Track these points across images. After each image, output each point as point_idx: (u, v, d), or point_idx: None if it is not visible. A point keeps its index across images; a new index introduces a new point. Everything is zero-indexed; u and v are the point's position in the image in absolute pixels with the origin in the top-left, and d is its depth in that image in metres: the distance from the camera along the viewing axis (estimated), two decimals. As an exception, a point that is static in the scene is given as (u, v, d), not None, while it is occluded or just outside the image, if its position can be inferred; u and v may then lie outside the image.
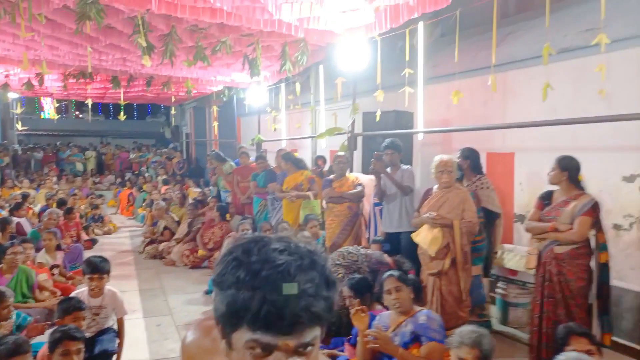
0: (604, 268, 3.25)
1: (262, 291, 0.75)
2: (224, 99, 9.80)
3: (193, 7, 4.34)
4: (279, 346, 0.78)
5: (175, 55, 5.34)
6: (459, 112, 5.50)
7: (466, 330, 2.25)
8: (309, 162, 7.07)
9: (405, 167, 4.75)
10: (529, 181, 4.66)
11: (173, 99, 11.07)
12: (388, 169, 4.74)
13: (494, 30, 3.84)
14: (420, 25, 4.75)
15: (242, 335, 0.78)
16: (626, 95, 3.79)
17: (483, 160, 5.11)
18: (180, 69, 7.47)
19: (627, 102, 3.69)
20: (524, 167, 4.66)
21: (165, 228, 7.38)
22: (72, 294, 3.74)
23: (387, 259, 4.07)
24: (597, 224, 3.21)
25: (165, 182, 11.73)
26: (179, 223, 7.55)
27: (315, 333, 0.80)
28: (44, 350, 2.78)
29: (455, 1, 4.13)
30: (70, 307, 3.06)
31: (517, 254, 4.21)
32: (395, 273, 2.99)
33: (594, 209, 3.19)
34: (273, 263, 0.77)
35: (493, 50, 3.84)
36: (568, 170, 3.28)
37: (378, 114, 5.22)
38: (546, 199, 3.43)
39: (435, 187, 3.99)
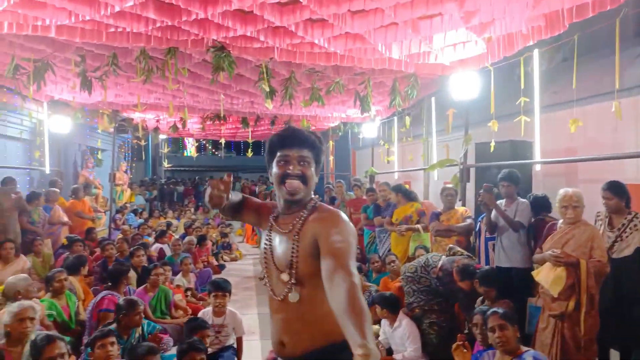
0: None
1: (281, 132, 1.75)
2: (340, 133, 10.23)
3: (310, 52, 4.75)
4: (290, 156, 1.67)
5: (294, 97, 5.83)
6: (584, 141, 5.10)
7: None
8: (421, 194, 7.03)
9: (521, 200, 4.51)
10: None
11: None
12: (502, 202, 4.55)
13: (617, 52, 3.57)
14: (536, 52, 4.57)
15: (275, 160, 1.70)
16: None
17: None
18: (300, 108, 8.05)
19: None
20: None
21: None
22: (199, 314, 4.20)
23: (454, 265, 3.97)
24: None
25: None
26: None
27: (309, 154, 1.70)
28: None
29: (576, 25, 3.92)
30: (197, 326, 3.47)
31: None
32: (500, 310, 2.87)
33: None
34: (288, 128, 1.78)
35: (616, 73, 3.56)
36: None
37: (492, 144, 5.07)
38: None
39: (560, 222, 3.75)
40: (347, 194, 8.09)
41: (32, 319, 3.01)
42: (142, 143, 10.44)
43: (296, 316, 1.66)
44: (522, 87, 4.50)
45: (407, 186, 6.33)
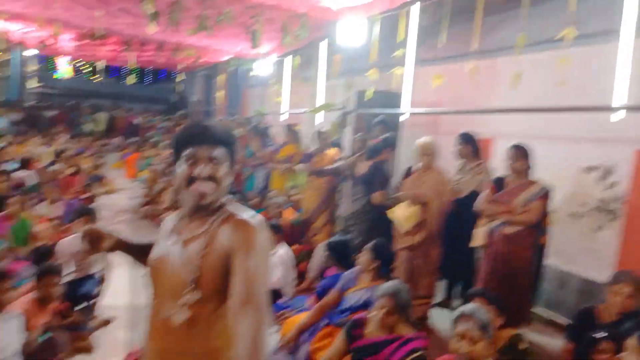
0: (541, 249, 3.62)
1: (189, 127, 1.51)
2: (231, 69, 9.98)
3: (200, -25, 4.50)
4: (198, 154, 1.43)
5: (179, 23, 5.53)
6: (449, 96, 5.63)
7: (387, 284, 2.56)
8: (306, 135, 7.28)
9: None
10: (502, 168, 4.82)
11: (182, 66, 11.26)
12: None
13: (477, 16, 3.96)
14: (415, 7, 4.85)
15: (181, 158, 1.45)
16: (598, 88, 3.92)
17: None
18: (189, 37, 7.65)
19: (598, 95, 3.83)
20: (500, 153, 4.81)
21: (162, 190, 7.68)
22: (65, 240, 4.07)
23: None
24: (545, 210, 3.46)
25: (159, 145, 12.23)
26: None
27: (222, 153, 1.46)
28: (25, 287, 3.14)
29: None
30: (45, 252, 3.45)
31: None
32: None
33: (546, 196, 3.44)
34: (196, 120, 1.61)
35: (475, 36, 3.96)
36: (530, 160, 3.52)
37: (369, 92, 5.38)
38: (498, 183, 3.66)
39: (416, 166, 4.20)
40: None
41: None
42: (7, 57, 9.15)
43: (184, 347, 1.40)
44: (401, 39, 4.79)
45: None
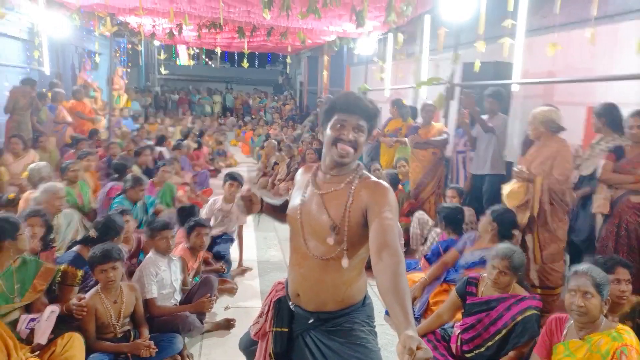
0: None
1: (344, 96, 1.71)
2: (336, 48, 10.30)
3: (309, -40, 4.83)
4: (348, 120, 1.66)
5: (290, 8, 5.93)
6: (564, 65, 5.39)
7: (502, 245, 2.66)
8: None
9: (501, 115, 4.96)
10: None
11: (290, 49, 11.84)
12: (485, 116, 4.97)
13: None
14: (526, -26, 4.72)
15: (331, 121, 1.68)
16: None
17: (583, 115, 5.05)
18: (296, 20, 8.09)
19: None
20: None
21: (276, 163, 8.36)
22: (211, 200, 4.70)
23: None
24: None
25: (269, 124, 13.07)
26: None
27: (365, 124, 1.67)
28: (179, 234, 3.77)
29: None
30: (190, 210, 4.07)
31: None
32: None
33: (674, 162, 3.27)
34: (351, 92, 1.75)
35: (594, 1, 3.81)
36: None
37: (477, 64, 5.35)
38: (618, 152, 3.52)
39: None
40: None
41: (63, 197, 3.49)
42: (139, 48, 10.42)
43: (320, 277, 1.68)
44: (510, 9, 4.70)
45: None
